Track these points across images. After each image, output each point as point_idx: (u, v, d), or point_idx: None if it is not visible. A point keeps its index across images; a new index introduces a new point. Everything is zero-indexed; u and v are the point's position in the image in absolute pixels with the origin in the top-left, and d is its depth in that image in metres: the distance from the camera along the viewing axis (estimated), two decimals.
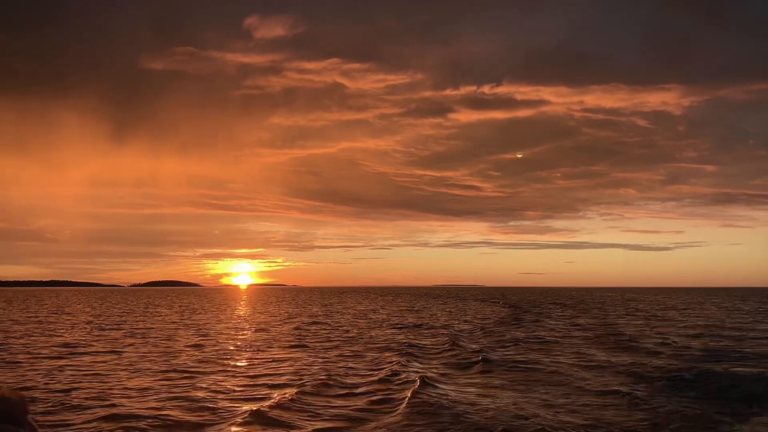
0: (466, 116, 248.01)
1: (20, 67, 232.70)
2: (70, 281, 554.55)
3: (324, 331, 31.65)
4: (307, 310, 58.29)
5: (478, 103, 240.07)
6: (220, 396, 13.48)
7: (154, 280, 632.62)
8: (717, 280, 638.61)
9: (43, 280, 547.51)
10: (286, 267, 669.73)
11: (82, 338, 27.85)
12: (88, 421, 11.12)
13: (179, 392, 13.80)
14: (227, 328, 35.00)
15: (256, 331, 32.67)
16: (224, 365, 18.51)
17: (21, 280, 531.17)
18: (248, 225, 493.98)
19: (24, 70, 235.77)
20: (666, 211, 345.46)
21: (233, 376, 16.28)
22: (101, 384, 14.91)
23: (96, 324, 37.98)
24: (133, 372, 17.00)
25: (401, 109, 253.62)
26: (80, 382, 15.23)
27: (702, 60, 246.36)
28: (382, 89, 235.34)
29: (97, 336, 29.03)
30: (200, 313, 52.57)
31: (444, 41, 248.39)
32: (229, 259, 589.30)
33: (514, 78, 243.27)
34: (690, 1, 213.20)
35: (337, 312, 53.98)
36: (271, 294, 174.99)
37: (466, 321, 41.35)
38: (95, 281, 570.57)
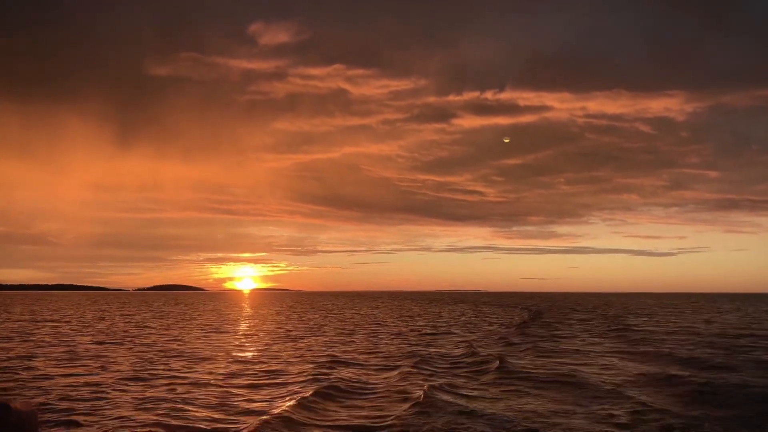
0: (469, 122, 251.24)
1: (24, 70, 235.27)
2: (75, 285, 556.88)
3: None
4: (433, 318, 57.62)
5: (481, 108, 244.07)
6: None
7: (158, 284, 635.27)
8: (720, 286, 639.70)
9: (48, 284, 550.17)
10: (288, 271, 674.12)
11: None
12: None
13: None
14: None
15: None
16: None
17: (25, 284, 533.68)
18: (251, 229, 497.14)
19: (28, 73, 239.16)
20: (669, 216, 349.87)
21: None
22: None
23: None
24: None
25: (405, 114, 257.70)
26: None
27: (705, 65, 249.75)
28: (385, 95, 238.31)
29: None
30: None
31: (447, 47, 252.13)
32: (232, 263, 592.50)
33: (517, 84, 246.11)
34: (693, 6, 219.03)
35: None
36: (298, 300, 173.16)
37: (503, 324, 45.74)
38: (99, 285, 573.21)
